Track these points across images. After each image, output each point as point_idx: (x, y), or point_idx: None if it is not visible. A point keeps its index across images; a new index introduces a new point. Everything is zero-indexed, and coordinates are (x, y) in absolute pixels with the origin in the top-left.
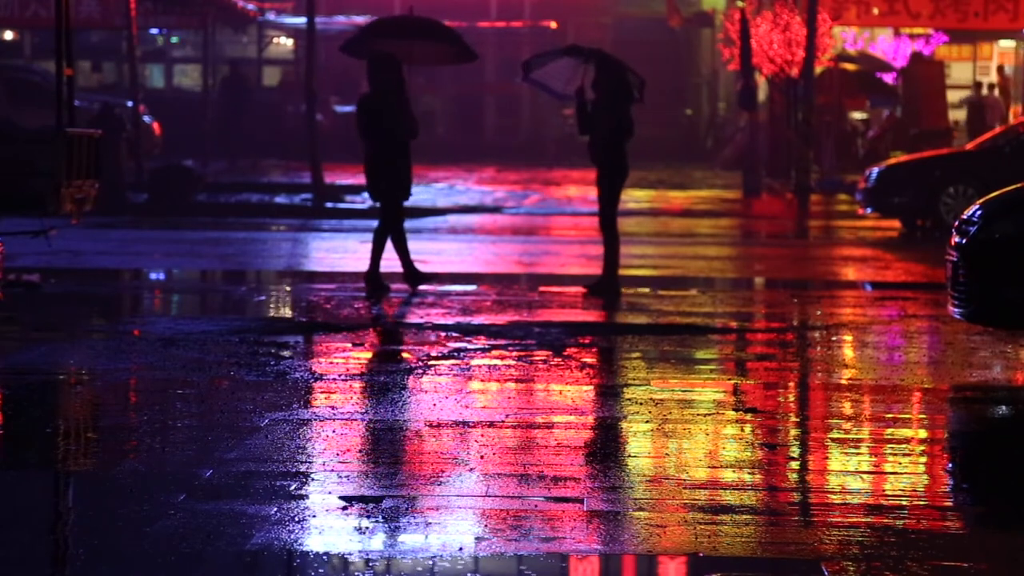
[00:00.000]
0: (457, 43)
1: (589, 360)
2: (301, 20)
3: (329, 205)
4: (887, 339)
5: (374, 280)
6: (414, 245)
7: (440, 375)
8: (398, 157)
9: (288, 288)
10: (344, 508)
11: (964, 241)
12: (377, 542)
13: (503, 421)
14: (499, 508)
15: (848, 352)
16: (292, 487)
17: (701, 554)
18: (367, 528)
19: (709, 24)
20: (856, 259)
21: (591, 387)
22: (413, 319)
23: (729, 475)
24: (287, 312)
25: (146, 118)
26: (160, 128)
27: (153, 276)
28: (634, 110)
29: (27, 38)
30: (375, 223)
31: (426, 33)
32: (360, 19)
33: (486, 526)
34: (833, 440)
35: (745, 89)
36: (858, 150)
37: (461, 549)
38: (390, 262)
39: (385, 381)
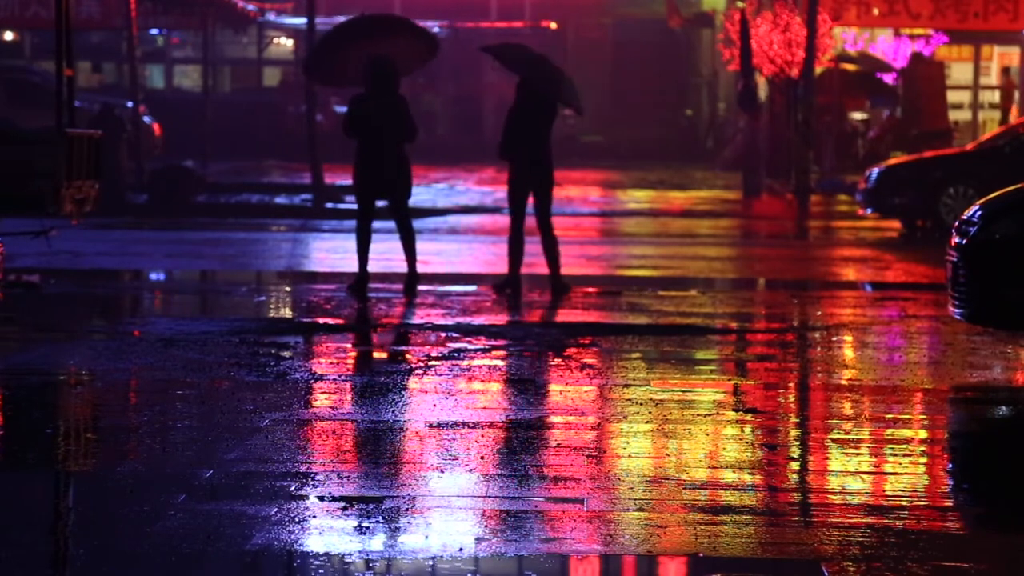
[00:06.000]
0: (422, 36)
1: (589, 360)
2: (301, 20)
3: (329, 205)
4: (887, 340)
5: (361, 283)
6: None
7: (440, 375)
8: (386, 157)
9: (288, 288)
10: (344, 508)
11: (964, 241)
12: (377, 542)
13: (503, 421)
14: (499, 508)
15: (848, 353)
16: (292, 487)
17: (701, 554)
18: (367, 528)
19: (709, 25)
20: (856, 260)
21: (591, 387)
22: (413, 320)
23: (729, 475)
24: (287, 312)
25: (146, 119)
26: (160, 129)
27: (153, 277)
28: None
29: (27, 38)
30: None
31: (390, 30)
32: None
33: (486, 526)
34: (833, 441)
35: (745, 90)
36: (858, 151)
37: (461, 550)
38: (393, 263)
39: (385, 382)
